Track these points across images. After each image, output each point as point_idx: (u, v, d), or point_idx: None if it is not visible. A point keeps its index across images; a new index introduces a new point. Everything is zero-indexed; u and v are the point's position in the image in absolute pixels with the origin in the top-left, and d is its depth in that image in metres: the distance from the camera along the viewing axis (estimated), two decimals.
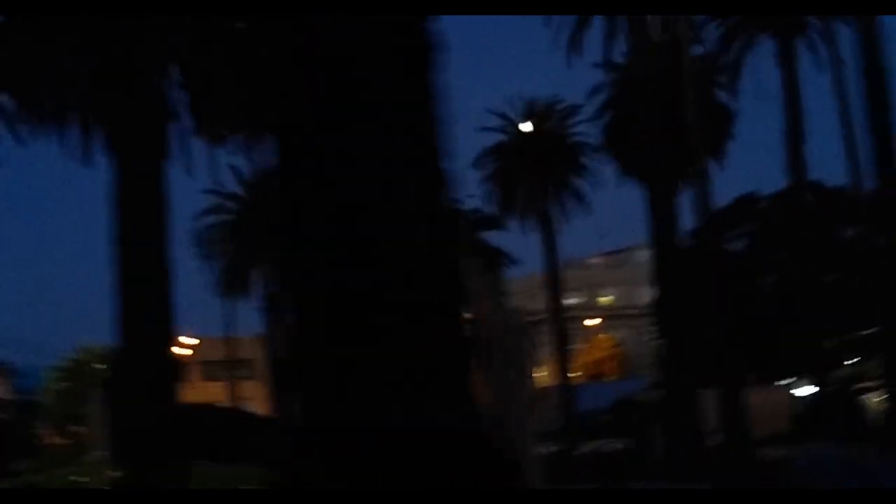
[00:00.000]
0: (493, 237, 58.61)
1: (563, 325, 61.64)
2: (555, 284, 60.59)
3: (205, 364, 77.35)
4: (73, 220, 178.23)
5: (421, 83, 7.43)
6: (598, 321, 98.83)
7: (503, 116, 62.71)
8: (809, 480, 26.67)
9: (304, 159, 7.23)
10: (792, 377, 69.07)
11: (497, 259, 54.60)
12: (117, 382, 25.96)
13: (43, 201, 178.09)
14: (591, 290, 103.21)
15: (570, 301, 76.91)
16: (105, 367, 56.14)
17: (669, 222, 47.64)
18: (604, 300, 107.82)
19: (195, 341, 71.72)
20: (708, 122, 47.91)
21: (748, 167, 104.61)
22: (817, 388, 70.69)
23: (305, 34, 7.19)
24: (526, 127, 59.59)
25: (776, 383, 69.33)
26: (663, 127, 48.15)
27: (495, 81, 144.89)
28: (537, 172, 60.86)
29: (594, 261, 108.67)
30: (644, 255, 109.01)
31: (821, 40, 46.16)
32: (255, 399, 64.66)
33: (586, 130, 60.95)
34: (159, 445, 24.80)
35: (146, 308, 24.64)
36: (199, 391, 67.34)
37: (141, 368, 24.58)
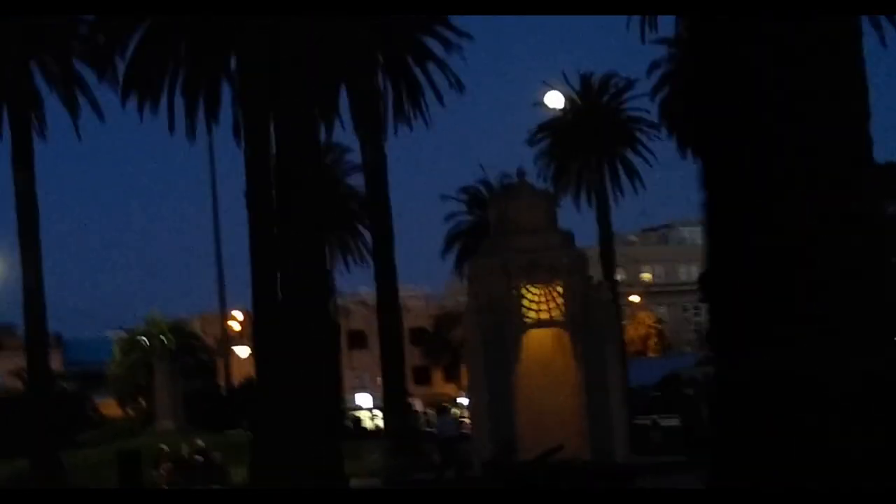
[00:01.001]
0: None
1: (616, 301, 61.73)
2: (609, 260, 60.71)
3: None
4: (134, 193, 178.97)
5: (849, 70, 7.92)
6: (638, 298, 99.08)
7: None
8: None
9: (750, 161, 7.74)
10: None
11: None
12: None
13: (108, 174, 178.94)
14: (632, 267, 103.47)
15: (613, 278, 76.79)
16: (170, 338, 56.96)
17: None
18: (644, 277, 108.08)
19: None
20: None
21: None
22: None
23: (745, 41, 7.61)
24: (553, 102, 57.76)
25: None
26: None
27: (552, 56, 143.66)
28: (592, 148, 61.09)
29: (634, 237, 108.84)
30: (685, 232, 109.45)
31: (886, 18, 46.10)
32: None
33: (641, 105, 61.34)
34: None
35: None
36: None
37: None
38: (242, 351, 64.17)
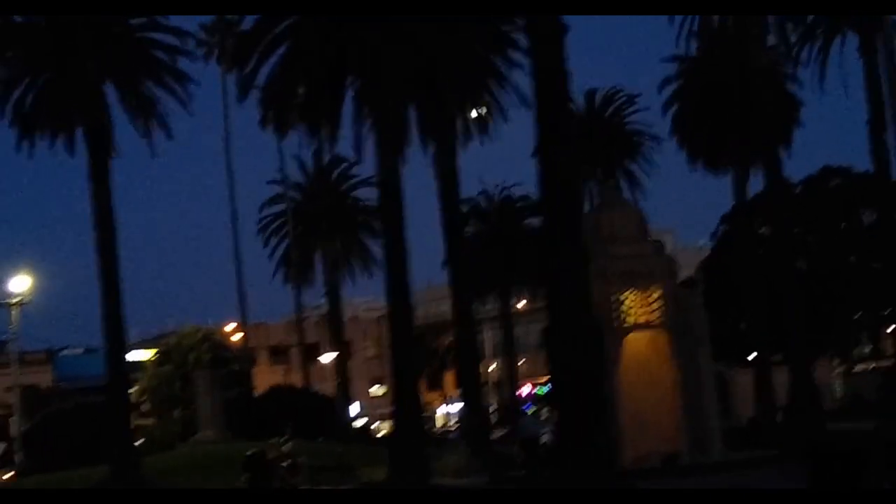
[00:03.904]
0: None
1: None
2: None
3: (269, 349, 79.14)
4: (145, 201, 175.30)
5: None
6: None
7: None
8: None
9: None
10: (819, 356, 71.97)
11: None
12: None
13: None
14: None
15: None
16: (203, 348, 58.03)
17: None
18: None
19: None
20: (776, 111, 50.65)
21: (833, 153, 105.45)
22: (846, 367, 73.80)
23: None
24: None
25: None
26: (731, 116, 51.25)
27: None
28: (595, 159, 63.34)
29: None
30: (671, 242, 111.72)
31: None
32: (325, 381, 66.69)
33: (644, 119, 64.02)
34: None
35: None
36: (266, 376, 69.22)
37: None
38: (326, 358, 65.29)
